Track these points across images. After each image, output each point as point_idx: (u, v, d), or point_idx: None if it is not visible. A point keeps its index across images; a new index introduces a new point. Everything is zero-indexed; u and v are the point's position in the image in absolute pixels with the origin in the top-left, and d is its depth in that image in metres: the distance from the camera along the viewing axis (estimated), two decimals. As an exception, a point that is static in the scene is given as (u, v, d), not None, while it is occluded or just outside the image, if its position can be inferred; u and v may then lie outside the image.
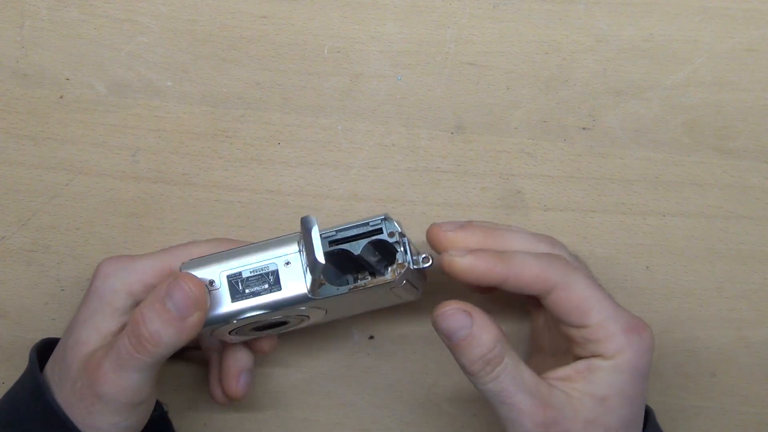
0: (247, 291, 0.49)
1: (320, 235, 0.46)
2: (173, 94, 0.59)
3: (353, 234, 0.48)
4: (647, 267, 0.59)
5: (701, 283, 0.59)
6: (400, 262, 0.48)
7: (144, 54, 0.59)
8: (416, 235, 0.58)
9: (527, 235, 0.52)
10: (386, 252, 0.49)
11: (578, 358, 0.50)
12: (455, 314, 0.48)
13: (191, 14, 0.59)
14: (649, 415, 0.53)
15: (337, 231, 0.49)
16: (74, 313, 0.53)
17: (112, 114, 0.59)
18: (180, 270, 0.49)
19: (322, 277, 0.47)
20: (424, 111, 0.59)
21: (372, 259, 0.49)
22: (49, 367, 0.52)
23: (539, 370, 0.50)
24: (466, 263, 0.49)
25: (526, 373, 0.48)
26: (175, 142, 0.59)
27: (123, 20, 0.59)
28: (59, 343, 0.53)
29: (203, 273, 0.49)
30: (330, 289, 0.49)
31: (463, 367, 0.49)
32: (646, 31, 0.58)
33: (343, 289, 0.49)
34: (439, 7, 0.58)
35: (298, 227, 0.48)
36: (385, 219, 0.48)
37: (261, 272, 0.48)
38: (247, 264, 0.49)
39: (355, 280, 0.49)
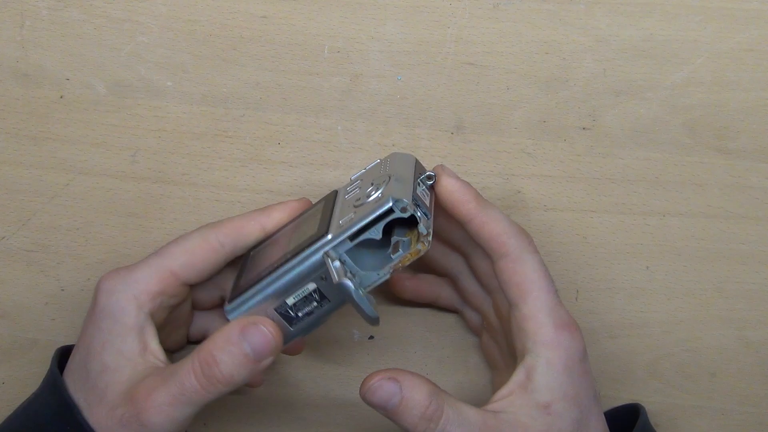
0: (300, 314, 0.50)
1: (340, 239, 0.48)
2: (173, 94, 0.59)
3: (368, 222, 0.48)
4: (647, 267, 0.59)
5: (701, 284, 0.59)
6: (424, 233, 0.48)
7: (144, 54, 0.59)
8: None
9: (505, 218, 0.52)
10: (407, 222, 0.49)
11: (521, 359, 0.50)
12: (382, 385, 0.48)
13: (191, 14, 0.59)
14: (639, 411, 0.53)
15: (352, 226, 0.48)
16: (79, 318, 0.53)
17: (112, 114, 0.59)
18: (228, 318, 0.50)
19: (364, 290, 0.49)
20: (424, 111, 0.59)
21: (398, 232, 0.49)
22: (71, 387, 0.51)
23: (500, 386, 0.50)
24: (452, 182, 0.50)
25: (471, 414, 0.48)
26: (175, 142, 0.59)
27: (123, 20, 0.59)
28: (76, 362, 0.51)
29: (255, 313, 0.50)
30: (372, 276, 0.49)
31: (407, 430, 0.48)
32: (646, 31, 0.58)
33: (385, 274, 0.49)
34: (439, 7, 0.58)
35: None
36: (396, 202, 0.48)
37: (304, 295, 0.49)
38: (286, 292, 0.49)
39: (390, 258, 0.49)
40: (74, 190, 0.59)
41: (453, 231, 0.55)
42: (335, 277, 0.47)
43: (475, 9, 0.58)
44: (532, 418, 0.48)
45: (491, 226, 0.50)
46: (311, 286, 0.49)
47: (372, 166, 0.53)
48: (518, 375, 0.49)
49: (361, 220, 0.48)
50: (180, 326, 0.56)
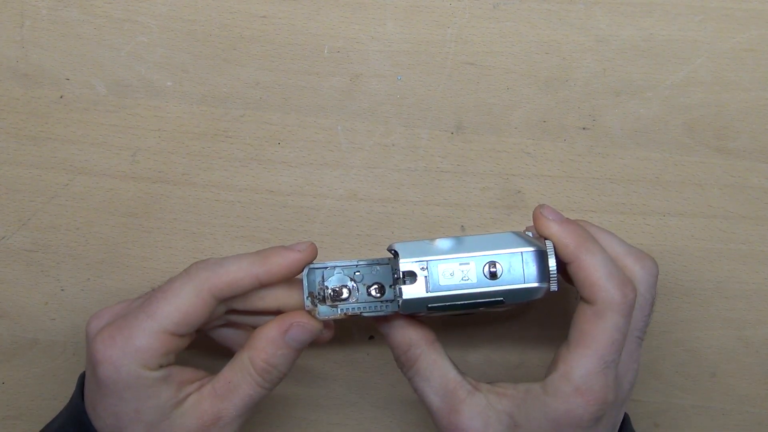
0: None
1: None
2: (173, 94, 0.59)
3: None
4: (647, 267, 0.59)
5: (701, 284, 0.59)
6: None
7: (144, 54, 0.59)
8: (416, 234, 0.59)
9: (620, 242, 0.51)
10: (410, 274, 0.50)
11: (545, 377, 0.50)
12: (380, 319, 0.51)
13: (191, 14, 0.59)
14: (624, 420, 0.52)
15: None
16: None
17: (112, 114, 0.59)
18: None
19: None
20: (424, 111, 0.59)
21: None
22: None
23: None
24: (552, 228, 0.50)
25: (448, 376, 0.51)
26: (175, 142, 0.59)
27: (123, 20, 0.59)
28: (109, 427, 0.50)
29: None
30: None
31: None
32: (645, 31, 0.58)
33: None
34: (439, 7, 0.58)
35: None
36: (392, 246, 0.50)
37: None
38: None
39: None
40: (74, 190, 0.59)
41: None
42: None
43: (475, 9, 0.58)
44: (499, 424, 0.49)
45: (585, 273, 0.48)
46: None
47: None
48: (520, 387, 0.50)
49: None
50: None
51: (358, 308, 0.50)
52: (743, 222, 0.58)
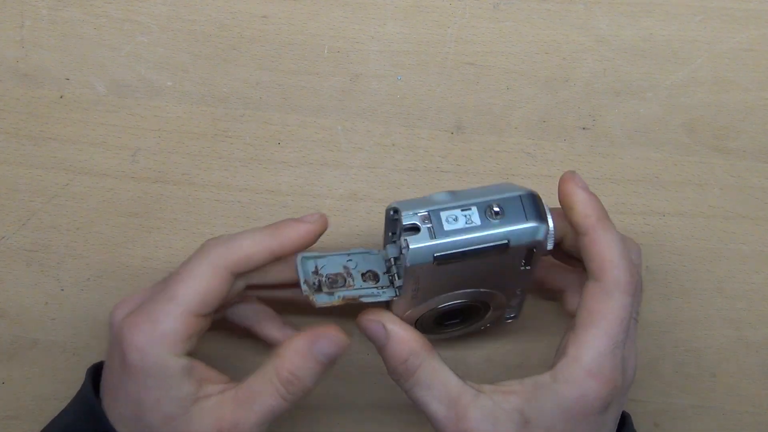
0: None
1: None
2: (173, 94, 0.59)
3: (391, 233, 0.50)
4: (647, 267, 0.59)
5: (701, 284, 0.59)
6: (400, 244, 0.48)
7: (144, 54, 0.59)
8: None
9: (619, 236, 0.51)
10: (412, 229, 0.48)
11: (553, 362, 0.49)
12: (371, 326, 0.50)
13: (191, 14, 0.59)
14: (626, 420, 0.52)
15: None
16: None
17: (112, 114, 0.59)
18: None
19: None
20: (424, 111, 0.59)
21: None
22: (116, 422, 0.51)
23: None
24: (580, 193, 0.49)
25: (450, 384, 0.49)
26: (175, 142, 0.59)
27: (123, 20, 0.59)
28: (127, 416, 0.50)
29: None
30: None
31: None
32: (645, 31, 0.58)
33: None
34: (439, 7, 0.58)
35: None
36: (390, 207, 0.49)
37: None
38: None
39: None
40: (74, 190, 0.59)
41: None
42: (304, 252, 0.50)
43: (475, 9, 0.58)
44: (508, 424, 0.48)
45: (601, 248, 0.48)
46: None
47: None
48: (527, 382, 0.49)
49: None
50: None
51: (357, 293, 0.49)
52: (743, 222, 0.58)
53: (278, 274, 0.52)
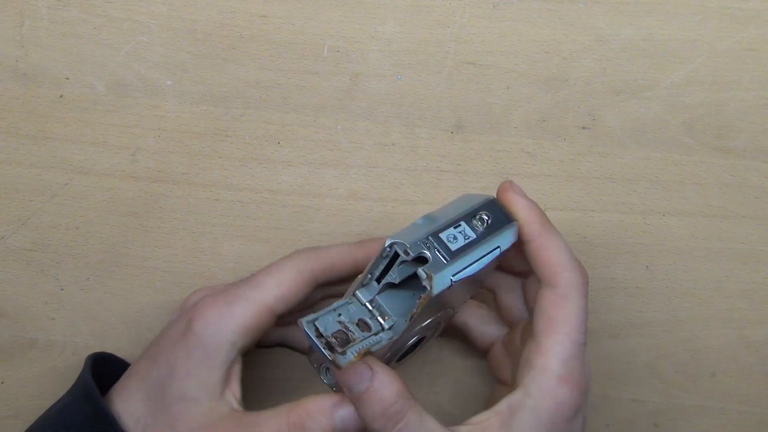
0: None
1: (358, 286, 0.47)
2: (173, 94, 0.59)
3: (382, 270, 0.47)
4: (647, 267, 0.59)
5: (701, 283, 0.59)
6: (423, 277, 0.46)
7: (144, 53, 0.59)
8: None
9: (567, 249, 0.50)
10: (419, 260, 0.47)
11: (513, 389, 0.49)
12: (355, 366, 0.47)
13: (191, 13, 0.59)
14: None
15: (365, 271, 0.48)
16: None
17: (112, 113, 0.59)
18: (340, 366, 0.47)
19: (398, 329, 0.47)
20: (424, 110, 0.59)
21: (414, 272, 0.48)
22: (133, 395, 0.51)
23: (495, 402, 0.49)
24: (519, 200, 0.49)
25: (434, 428, 0.46)
26: (175, 142, 0.59)
27: (123, 20, 0.59)
28: (154, 377, 0.51)
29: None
30: (401, 323, 0.47)
31: (365, 423, 0.47)
32: (645, 30, 0.58)
33: (404, 321, 0.47)
34: (439, 7, 0.58)
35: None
36: (394, 243, 0.46)
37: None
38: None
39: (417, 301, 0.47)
40: (74, 190, 0.59)
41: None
42: (303, 317, 0.46)
43: (475, 8, 0.58)
44: None
45: (549, 253, 0.48)
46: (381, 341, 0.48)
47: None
48: (501, 406, 0.48)
49: (373, 262, 0.47)
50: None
51: (366, 345, 0.46)
52: (743, 221, 0.58)
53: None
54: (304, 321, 0.45)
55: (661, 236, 0.59)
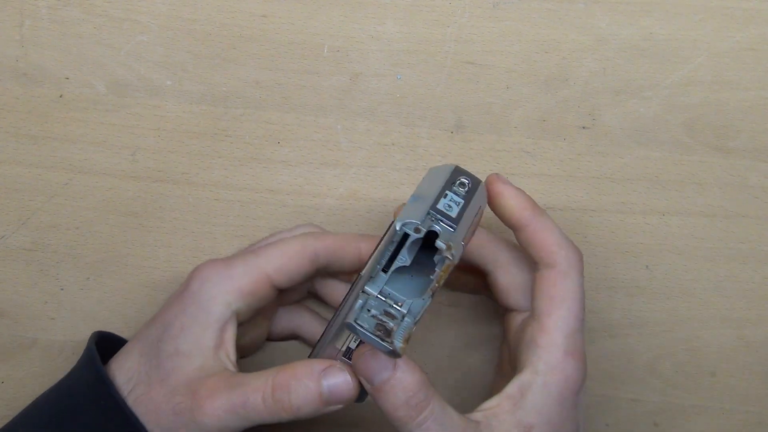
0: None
1: (368, 275, 0.46)
2: (173, 93, 0.59)
3: (384, 251, 0.47)
4: (647, 267, 0.59)
5: (701, 283, 0.59)
6: (443, 248, 0.46)
7: (144, 53, 0.59)
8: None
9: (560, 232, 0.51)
10: (428, 239, 0.47)
11: (519, 371, 0.49)
12: (377, 354, 0.46)
13: (191, 13, 0.59)
14: None
15: (373, 259, 0.47)
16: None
17: (112, 113, 0.59)
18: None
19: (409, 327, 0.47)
20: (424, 110, 0.59)
21: (423, 252, 0.48)
22: (123, 359, 0.51)
23: (495, 392, 0.49)
24: (507, 189, 0.50)
25: (454, 417, 0.46)
26: (175, 142, 0.59)
27: (123, 19, 0.59)
28: (151, 335, 0.51)
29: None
30: (418, 303, 0.46)
31: (386, 414, 0.46)
32: (645, 30, 0.58)
33: (427, 298, 0.46)
34: (439, 7, 0.58)
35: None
36: (404, 224, 0.46)
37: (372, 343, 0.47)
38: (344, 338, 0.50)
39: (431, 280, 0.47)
40: (74, 189, 0.59)
41: (479, 249, 0.53)
42: (348, 319, 0.45)
43: (475, 8, 0.58)
44: None
45: (544, 235, 0.49)
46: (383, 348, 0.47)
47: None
48: (511, 388, 0.48)
49: (379, 251, 0.47)
50: (263, 321, 0.56)
51: (406, 329, 0.45)
52: (743, 221, 0.58)
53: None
54: (350, 322, 0.45)
55: (661, 236, 0.59)
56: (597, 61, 0.58)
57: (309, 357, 0.51)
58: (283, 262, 0.52)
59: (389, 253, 0.47)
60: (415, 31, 0.58)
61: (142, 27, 0.59)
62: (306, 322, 0.58)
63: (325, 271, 0.54)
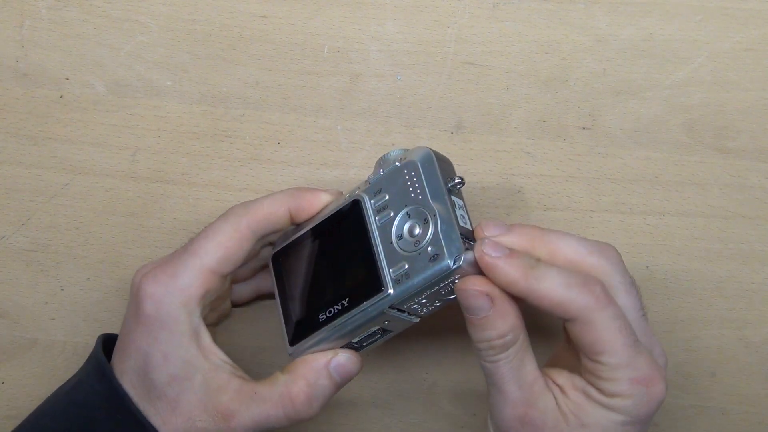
0: (364, 344, 0.52)
1: (402, 298, 0.48)
2: (173, 94, 0.59)
3: (431, 284, 0.49)
4: (647, 267, 0.59)
5: (701, 283, 0.59)
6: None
7: (144, 53, 0.59)
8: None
9: (578, 242, 0.49)
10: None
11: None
12: (477, 297, 0.47)
13: (191, 14, 0.59)
14: None
15: (414, 287, 0.48)
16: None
17: (112, 114, 0.59)
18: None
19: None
20: (424, 111, 0.59)
21: None
22: (128, 391, 0.51)
23: (560, 362, 0.50)
24: (493, 264, 0.47)
25: (528, 368, 0.48)
26: (175, 142, 0.59)
27: (123, 20, 0.59)
28: (133, 369, 0.51)
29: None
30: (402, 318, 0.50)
31: (474, 340, 0.48)
32: (645, 30, 0.58)
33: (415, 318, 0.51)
34: (439, 7, 0.58)
35: None
36: (455, 259, 0.48)
37: (368, 334, 0.51)
38: (350, 335, 0.51)
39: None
40: (74, 190, 0.59)
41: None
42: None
43: (475, 9, 0.58)
44: (568, 423, 0.48)
45: (549, 297, 0.47)
46: (375, 328, 0.50)
47: (390, 171, 0.51)
48: (584, 387, 0.48)
49: (423, 282, 0.48)
50: (222, 301, 0.57)
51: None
52: (743, 222, 0.58)
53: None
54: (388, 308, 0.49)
55: (660, 236, 0.59)
56: (597, 61, 0.58)
57: (290, 350, 0.52)
58: (221, 252, 0.51)
59: (423, 287, 0.48)
60: (415, 31, 0.58)
61: (142, 27, 0.59)
62: (262, 280, 0.58)
63: (267, 240, 0.54)
